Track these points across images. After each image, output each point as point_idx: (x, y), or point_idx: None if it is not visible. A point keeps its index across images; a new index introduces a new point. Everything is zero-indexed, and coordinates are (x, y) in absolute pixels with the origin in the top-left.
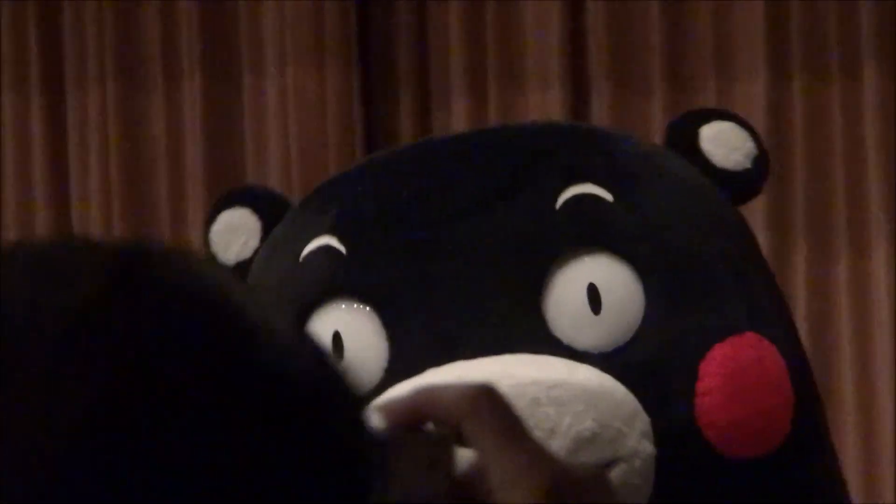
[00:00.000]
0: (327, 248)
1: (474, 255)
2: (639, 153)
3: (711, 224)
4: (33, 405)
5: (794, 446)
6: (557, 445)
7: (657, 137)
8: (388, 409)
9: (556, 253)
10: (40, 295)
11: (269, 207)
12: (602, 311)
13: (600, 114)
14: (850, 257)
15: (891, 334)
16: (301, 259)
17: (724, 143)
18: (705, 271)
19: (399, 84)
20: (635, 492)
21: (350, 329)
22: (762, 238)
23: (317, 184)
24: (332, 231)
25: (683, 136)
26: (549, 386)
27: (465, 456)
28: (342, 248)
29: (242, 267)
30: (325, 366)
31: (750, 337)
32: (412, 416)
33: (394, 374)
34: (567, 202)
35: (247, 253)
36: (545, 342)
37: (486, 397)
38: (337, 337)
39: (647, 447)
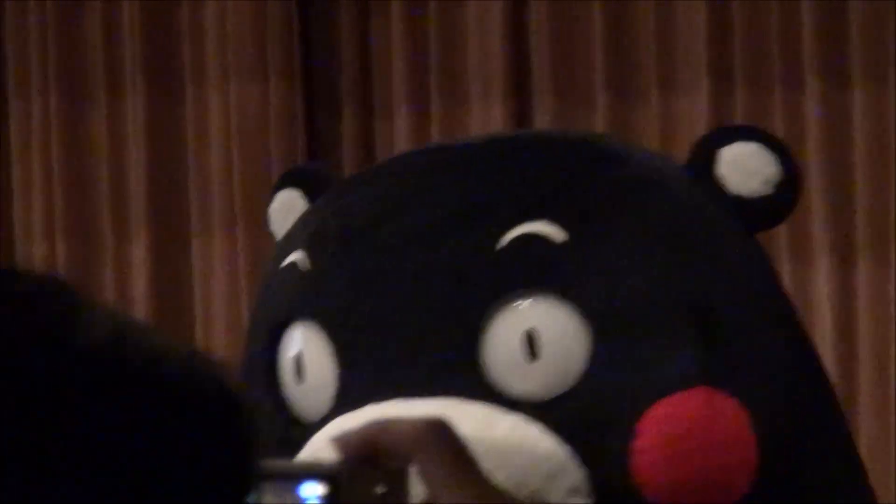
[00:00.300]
0: (295, 265)
1: (418, 292)
2: (627, 181)
3: (687, 265)
4: None
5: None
6: None
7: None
8: (341, 443)
9: (495, 296)
10: None
11: (317, 189)
12: (539, 359)
13: (542, 126)
14: (791, 269)
15: (832, 345)
16: (280, 270)
17: (741, 168)
18: (660, 320)
19: (341, 98)
20: None
21: (309, 353)
22: None
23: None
24: (304, 247)
25: (701, 157)
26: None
27: (417, 490)
28: (306, 268)
29: None
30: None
31: (699, 393)
32: (366, 449)
33: (342, 403)
34: (512, 242)
35: None
36: (479, 387)
37: (438, 432)
38: (299, 359)
39: (578, 502)
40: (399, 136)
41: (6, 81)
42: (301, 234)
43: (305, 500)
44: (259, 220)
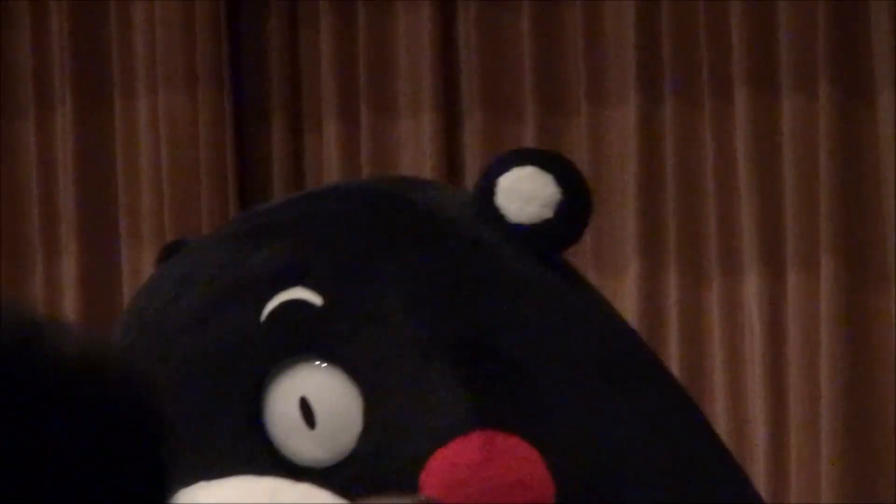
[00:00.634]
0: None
1: (199, 373)
2: (393, 232)
3: (452, 308)
4: None
5: None
6: None
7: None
8: None
9: (265, 368)
10: None
11: None
12: (317, 425)
13: (472, 141)
14: (721, 280)
15: (762, 357)
16: None
17: (518, 195)
18: (427, 367)
19: (271, 108)
20: None
21: None
22: (633, 263)
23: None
24: (120, 329)
25: (482, 191)
26: None
27: None
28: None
29: None
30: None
31: (477, 437)
32: None
33: None
34: (272, 312)
35: None
36: (268, 460)
37: None
38: None
39: None
40: (328, 147)
41: None
42: (123, 314)
43: None
44: (189, 229)
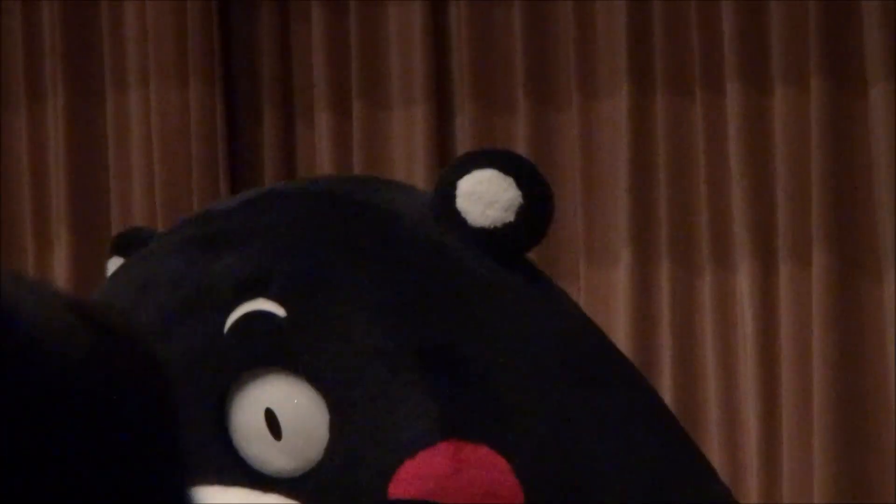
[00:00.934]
0: None
1: None
2: (353, 239)
3: (416, 316)
4: None
5: None
6: None
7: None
8: None
9: (231, 378)
10: None
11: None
12: (283, 436)
13: (464, 132)
14: (713, 272)
15: (754, 349)
16: None
17: (479, 199)
18: (392, 378)
19: (262, 101)
20: None
21: None
22: (625, 254)
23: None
24: None
25: (442, 194)
26: None
27: None
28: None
29: None
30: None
31: (444, 447)
32: None
33: None
34: (235, 323)
35: None
36: (235, 470)
37: None
38: None
39: None
40: (320, 140)
41: None
42: None
43: None
44: None
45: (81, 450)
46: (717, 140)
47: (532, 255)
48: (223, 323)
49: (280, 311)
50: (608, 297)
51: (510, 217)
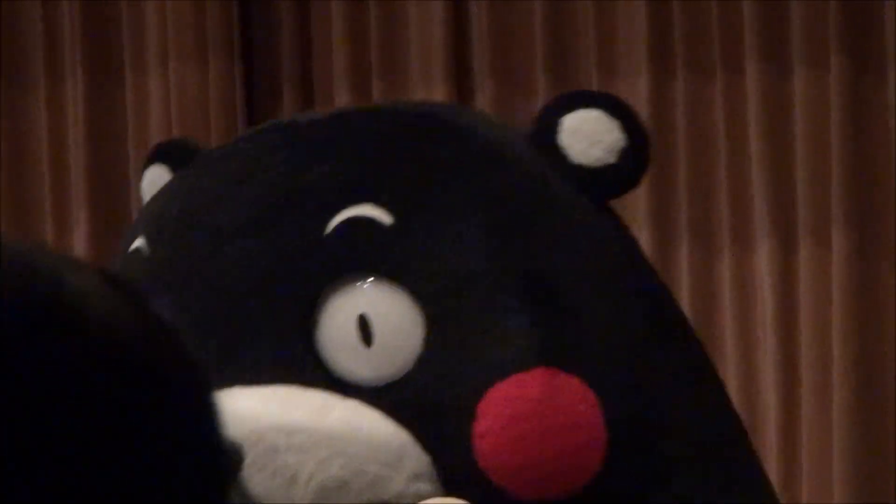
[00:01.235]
0: (138, 252)
1: (252, 278)
2: (462, 155)
3: (518, 243)
4: None
5: (609, 484)
6: (298, 495)
7: None
8: None
9: (325, 281)
10: None
11: (182, 164)
12: (374, 344)
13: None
14: (733, 252)
15: (774, 329)
16: (126, 255)
17: (584, 136)
18: (493, 299)
19: (282, 80)
20: None
21: None
22: (645, 234)
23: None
24: (145, 233)
25: (544, 126)
26: (289, 433)
27: None
28: (147, 253)
29: None
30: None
31: (539, 373)
32: None
33: None
34: (339, 227)
35: None
36: (315, 373)
37: None
38: None
39: (423, 488)
40: None
41: None
42: (146, 218)
43: None
44: None
45: (126, 421)
46: (736, 121)
47: None
48: (326, 224)
49: (387, 218)
50: None
51: (612, 159)
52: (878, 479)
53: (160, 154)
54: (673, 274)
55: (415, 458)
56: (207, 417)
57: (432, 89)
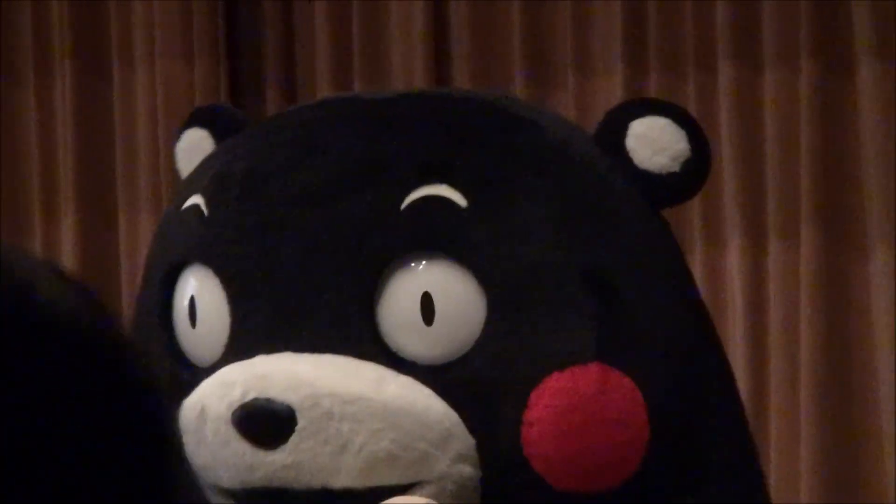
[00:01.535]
0: (196, 209)
1: (318, 246)
2: (530, 146)
3: (589, 236)
4: None
5: (645, 484)
6: (348, 464)
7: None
8: None
9: (393, 256)
10: None
11: (226, 130)
12: (435, 322)
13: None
14: (704, 250)
15: (744, 324)
16: (179, 212)
17: (650, 143)
18: (559, 289)
19: (266, 79)
20: None
21: (203, 298)
22: None
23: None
24: (204, 191)
25: (611, 129)
26: (346, 401)
27: None
28: (206, 211)
29: None
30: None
31: (595, 369)
32: None
33: (231, 352)
34: (414, 203)
35: None
36: (372, 346)
37: None
38: (192, 303)
39: (465, 470)
40: None
41: None
42: (203, 176)
43: None
44: None
45: (91, 421)
46: (708, 119)
47: None
48: (400, 200)
49: (462, 200)
50: None
51: (676, 167)
52: (843, 466)
53: (201, 118)
54: None
55: (461, 439)
56: (152, 398)
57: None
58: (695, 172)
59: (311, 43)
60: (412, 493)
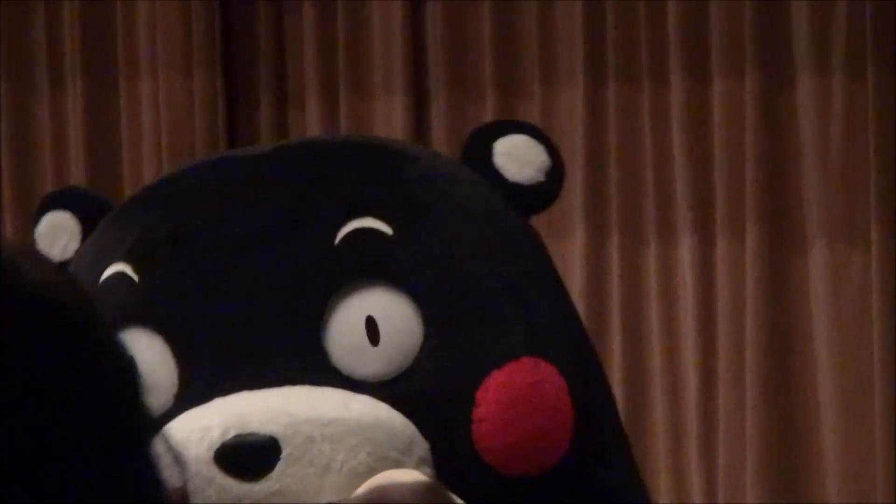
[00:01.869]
0: (122, 276)
1: (258, 289)
2: (426, 176)
3: (494, 247)
4: None
5: (574, 461)
6: (332, 482)
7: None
8: None
9: (335, 287)
10: None
11: (87, 211)
12: (380, 343)
13: (439, 119)
14: (658, 245)
15: (694, 314)
16: (99, 284)
17: (517, 158)
18: (483, 298)
19: (259, 88)
20: None
21: (144, 356)
22: (579, 228)
23: (135, 190)
24: (127, 257)
25: (478, 150)
26: (324, 423)
27: None
28: (135, 277)
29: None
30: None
31: (526, 362)
32: None
33: (183, 401)
34: (346, 237)
35: (67, 255)
36: (326, 373)
37: (435, 491)
38: None
39: (426, 471)
40: (311, 124)
41: None
42: (116, 247)
43: None
44: None
45: (78, 403)
46: (662, 126)
47: None
48: (333, 235)
49: (388, 229)
50: (564, 267)
51: (542, 177)
52: (788, 453)
53: (60, 201)
54: (604, 265)
55: (419, 444)
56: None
57: (393, 98)
58: (556, 179)
59: (301, 56)
60: None
